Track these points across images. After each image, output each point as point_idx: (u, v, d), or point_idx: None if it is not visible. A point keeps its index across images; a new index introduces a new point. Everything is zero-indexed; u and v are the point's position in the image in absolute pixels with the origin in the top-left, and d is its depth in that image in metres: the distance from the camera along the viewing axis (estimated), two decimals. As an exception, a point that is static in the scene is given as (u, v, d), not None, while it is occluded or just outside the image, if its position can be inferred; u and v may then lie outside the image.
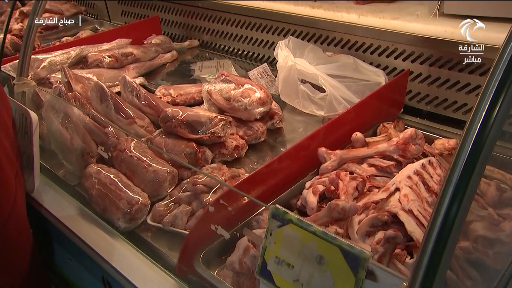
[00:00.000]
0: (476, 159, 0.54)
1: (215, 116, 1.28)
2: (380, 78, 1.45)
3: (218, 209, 0.88)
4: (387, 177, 1.09)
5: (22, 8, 2.46)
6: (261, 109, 1.36)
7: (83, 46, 1.90)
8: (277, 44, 1.59)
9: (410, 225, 0.87)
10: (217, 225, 0.86)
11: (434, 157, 1.10)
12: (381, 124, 1.33)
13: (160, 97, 1.57)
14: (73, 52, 1.84)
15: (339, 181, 1.03)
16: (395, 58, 1.49)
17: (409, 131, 1.11)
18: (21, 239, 1.17)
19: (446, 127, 1.35)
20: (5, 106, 1.25)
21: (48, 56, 1.78)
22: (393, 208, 0.90)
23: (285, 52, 1.55)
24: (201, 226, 0.91)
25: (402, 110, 1.46)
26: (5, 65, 1.71)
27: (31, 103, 1.46)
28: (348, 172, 1.09)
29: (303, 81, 1.53)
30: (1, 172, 1.08)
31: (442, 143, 1.20)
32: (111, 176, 1.16)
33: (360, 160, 1.16)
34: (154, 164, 1.17)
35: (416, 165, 1.03)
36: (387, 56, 1.50)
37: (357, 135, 1.22)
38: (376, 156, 1.14)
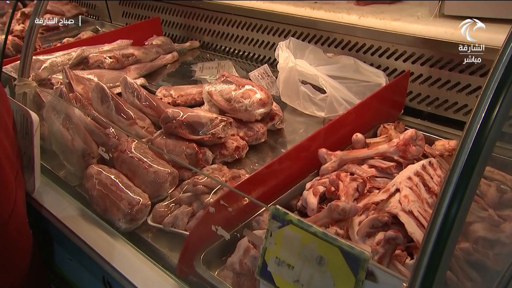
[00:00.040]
0: (476, 159, 0.54)
1: (216, 117, 1.28)
2: (380, 79, 1.45)
3: (219, 210, 0.89)
4: (387, 178, 1.09)
5: (23, 9, 2.48)
6: (261, 110, 1.36)
7: (84, 47, 1.90)
8: (278, 45, 1.59)
9: (411, 226, 0.87)
10: (218, 225, 0.86)
11: (434, 158, 1.10)
12: (382, 125, 1.33)
13: (161, 98, 1.58)
14: (74, 53, 1.85)
15: (340, 182, 1.03)
16: (396, 59, 1.49)
17: (410, 132, 1.11)
18: (21, 240, 1.17)
19: (446, 128, 1.35)
20: (6, 106, 1.25)
21: (49, 57, 1.78)
22: (394, 209, 0.90)
23: (285, 53, 1.55)
24: (201, 226, 0.91)
25: (402, 111, 1.46)
26: (7, 66, 1.71)
27: (32, 104, 1.47)
28: (349, 173, 1.09)
29: (304, 82, 1.53)
30: (1, 172, 1.08)
31: (442, 144, 1.20)
32: (112, 177, 1.16)
33: (361, 161, 1.16)
34: (154, 165, 1.17)
35: (417, 166, 1.03)
36: (388, 57, 1.51)
37: (358, 136, 1.22)
38: (376, 157, 1.14)
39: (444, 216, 0.54)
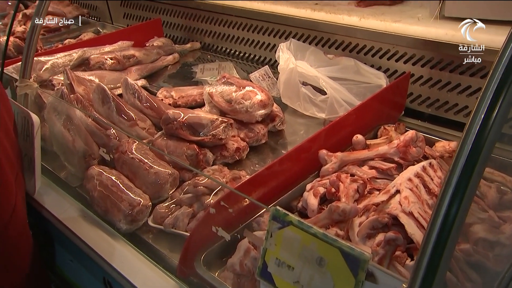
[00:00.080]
0: (475, 160, 0.54)
1: (217, 118, 1.28)
2: (381, 80, 1.45)
3: (219, 211, 0.89)
4: (387, 180, 1.09)
5: (25, 11, 2.48)
6: (262, 111, 1.36)
7: (85, 48, 1.91)
8: (279, 47, 1.59)
9: (411, 227, 0.87)
10: (218, 226, 0.86)
11: (435, 159, 1.10)
12: (382, 127, 1.33)
13: (162, 99, 1.58)
14: (75, 54, 1.85)
15: (340, 183, 1.03)
16: (396, 60, 1.49)
17: (410, 133, 1.11)
18: (21, 240, 1.17)
19: (447, 130, 1.35)
20: (6, 107, 1.26)
21: (51, 58, 1.79)
22: (394, 210, 0.90)
23: (286, 55, 1.55)
24: (202, 227, 0.91)
25: (403, 112, 1.47)
26: (8, 67, 1.72)
27: (34, 105, 1.47)
28: (349, 174, 1.09)
29: (304, 84, 1.54)
30: (1, 172, 1.09)
31: (443, 146, 1.20)
32: (113, 178, 1.17)
33: (361, 163, 1.16)
34: (155, 166, 1.17)
35: (417, 167, 1.03)
36: (388, 59, 1.51)
37: (358, 137, 1.22)
38: (376, 159, 1.14)
39: (444, 217, 0.54)
